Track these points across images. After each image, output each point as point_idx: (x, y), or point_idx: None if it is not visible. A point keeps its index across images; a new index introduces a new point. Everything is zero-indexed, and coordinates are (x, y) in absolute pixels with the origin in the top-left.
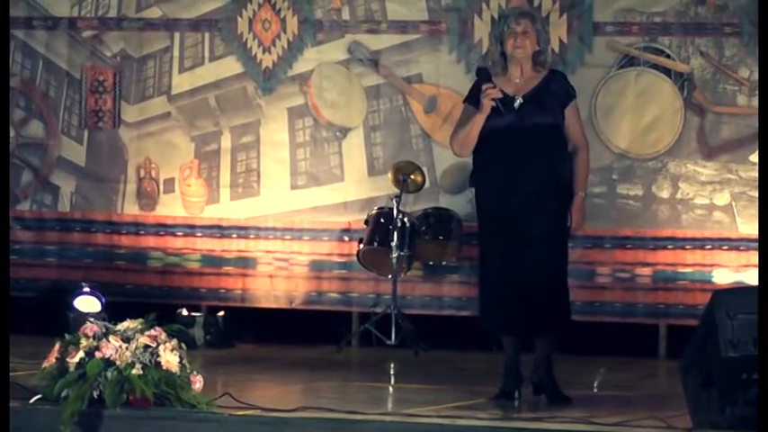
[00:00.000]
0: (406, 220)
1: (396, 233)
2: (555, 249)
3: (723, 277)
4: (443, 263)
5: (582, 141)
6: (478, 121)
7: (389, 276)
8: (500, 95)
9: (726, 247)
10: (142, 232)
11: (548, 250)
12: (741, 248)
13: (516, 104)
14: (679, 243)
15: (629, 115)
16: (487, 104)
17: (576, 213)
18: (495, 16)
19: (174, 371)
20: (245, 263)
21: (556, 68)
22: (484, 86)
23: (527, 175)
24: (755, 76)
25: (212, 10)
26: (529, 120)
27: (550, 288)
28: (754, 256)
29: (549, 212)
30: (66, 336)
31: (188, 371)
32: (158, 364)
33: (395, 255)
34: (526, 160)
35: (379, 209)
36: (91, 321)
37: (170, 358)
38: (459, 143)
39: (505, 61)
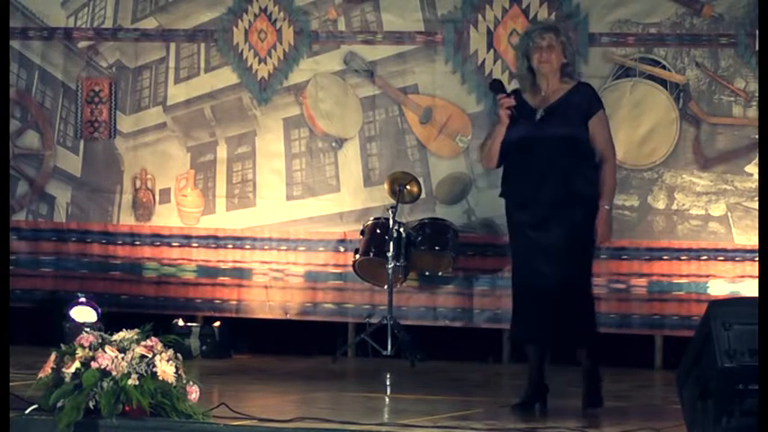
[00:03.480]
0: (401, 230)
1: (391, 244)
2: (573, 261)
3: (719, 288)
4: (439, 273)
5: (608, 153)
6: (499, 133)
7: (385, 287)
8: (514, 103)
9: (721, 258)
10: (138, 243)
11: (564, 262)
12: (737, 259)
13: (538, 116)
14: (674, 254)
15: (625, 126)
16: (503, 114)
17: (600, 226)
18: (492, 27)
19: (169, 381)
20: (241, 273)
21: (584, 80)
22: (498, 97)
23: (545, 187)
24: (751, 86)
25: (208, 21)
26: (548, 131)
27: (569, 299)
28: (749, 267)
29: (566, 224)
30: (62, 346)
31: (184, 381)
32: (154, 375)
33: (391, 265)
34: (544, 172)
35: (374, 219)
36: (87, 331)
37: (166, 368)
38: (484, 155)
39: (533, 75)
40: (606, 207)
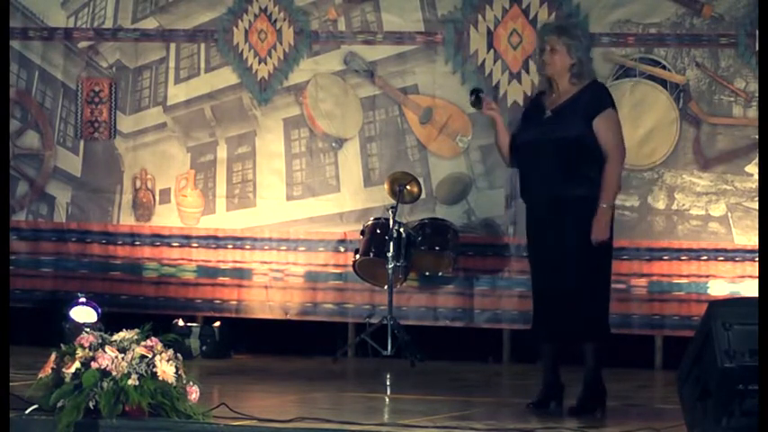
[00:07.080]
0: (401, 230)
1: (392, 244)
2: (579, 261)
3: (719, 288)
4: (439, 273)
5: (613, 152)
6: (497, 134)
7: (385, 287)
8: (494, 107)
9: (721, 258)
10: (138, 243)
11: (567, 262)
12: (737, 259)
13: (545, 117)
14: (675, 254)
15: (625, 126)
16: (491, 114)
17: (595, 224)
18: (492, 27)
19: (169, 381)
20: (241, 273)
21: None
22: (483, 106)
23: (547, 189)
24: (751, 86)
25: (208, 21)
26: (552, 134)
27: (577, 296)
28: (749, 267)
29: (569, 225)
30: (62, 346)
31: (184, 381)
32: (154, 375)
33: (391, 265)
34: (547, 173)
35: (375, 219)
36: (87, 332)
37: (166, 369)
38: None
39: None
40: (604, 205)
